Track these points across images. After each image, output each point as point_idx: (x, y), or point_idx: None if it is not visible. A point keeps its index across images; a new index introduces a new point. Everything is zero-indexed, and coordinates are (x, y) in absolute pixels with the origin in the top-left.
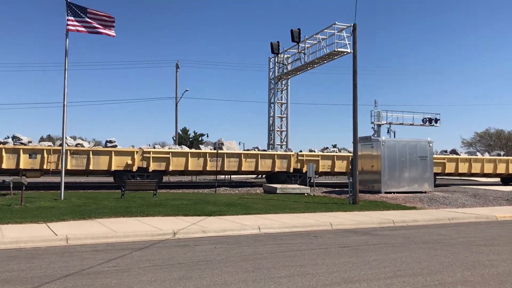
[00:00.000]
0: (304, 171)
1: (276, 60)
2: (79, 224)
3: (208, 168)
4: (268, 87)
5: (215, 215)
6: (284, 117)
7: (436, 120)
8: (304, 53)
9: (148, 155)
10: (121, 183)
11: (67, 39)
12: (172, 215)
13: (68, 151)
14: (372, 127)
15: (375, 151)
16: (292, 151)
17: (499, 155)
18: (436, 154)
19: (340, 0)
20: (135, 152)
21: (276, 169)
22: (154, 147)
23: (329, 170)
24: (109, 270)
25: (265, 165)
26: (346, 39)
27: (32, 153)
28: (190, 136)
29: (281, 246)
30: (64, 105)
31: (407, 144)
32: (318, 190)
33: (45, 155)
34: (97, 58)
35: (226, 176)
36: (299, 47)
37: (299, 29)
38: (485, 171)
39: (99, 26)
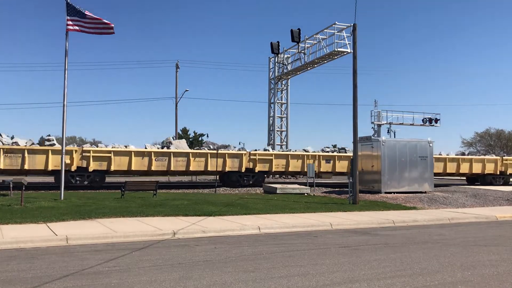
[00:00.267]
0: (256, 171)
1: (276, 60)
2: (79, 224)
3: (153, 168)
4: (268, 87)
5: (215, 215)
6: (284, 117)
7: (436, 120)
8: (304, 53)
9: (88, 154)
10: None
11: (67, 39)
12: (172, 215)
13: (1, 149)
14: (372, 127)
15: (375, 151)
16: (245, 150)
17: (463, 154)
18: None
19: (340, 0)
20: (74, 151)
21: (227, 169)
22: (105, 146)
23: (283, 169)
24: (109, 270)
25: (215, 165)
26: (346, 39)
27: None
28: (190, 136)
29: (281, 246)
30: (64, 105)
31: (407, 144)
32: (318, 190)
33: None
34: (97, 58)
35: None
36: (299, 47)
37: (299, 29)
38: (447, 171)
39: (98, 27)
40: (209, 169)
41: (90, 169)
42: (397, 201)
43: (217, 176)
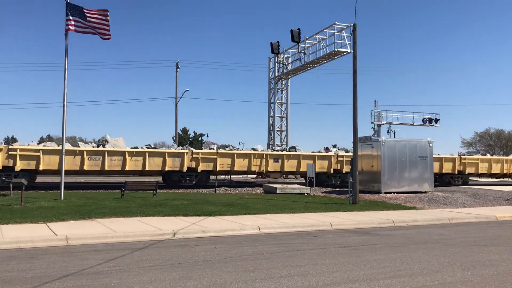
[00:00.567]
0: (199, 170)
1: (276, 60)
2: (79, 224)
3: (86, 168)
4: (268, 87)
5: (215, 215)
6: (284, 117)
7: (436, 120)
8: (304, 53)
9: (14, 152)
10: None
11: (67, 39)
12: (172, 215)
13: None
14: (372, 127)
15: (375, 151)
16: (188, 149)
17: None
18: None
19: (340, 0)
20: None
21: (167, 168)
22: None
23: (228, 169)
24: (109, 270)
25: (154, 164)
26: (346, 39)
27: None
28: (190, 136)
29: (281, 246)
30: (64, 105)
31: (407, 144)
32: (318, 190)
33: None
34: (97, 58)
35: (226, 176)
36: (299, 47)
37: (299, 29)
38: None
39: (97, 26)
40: (147, 168)
41: (17, 168)
42: (397, 201)
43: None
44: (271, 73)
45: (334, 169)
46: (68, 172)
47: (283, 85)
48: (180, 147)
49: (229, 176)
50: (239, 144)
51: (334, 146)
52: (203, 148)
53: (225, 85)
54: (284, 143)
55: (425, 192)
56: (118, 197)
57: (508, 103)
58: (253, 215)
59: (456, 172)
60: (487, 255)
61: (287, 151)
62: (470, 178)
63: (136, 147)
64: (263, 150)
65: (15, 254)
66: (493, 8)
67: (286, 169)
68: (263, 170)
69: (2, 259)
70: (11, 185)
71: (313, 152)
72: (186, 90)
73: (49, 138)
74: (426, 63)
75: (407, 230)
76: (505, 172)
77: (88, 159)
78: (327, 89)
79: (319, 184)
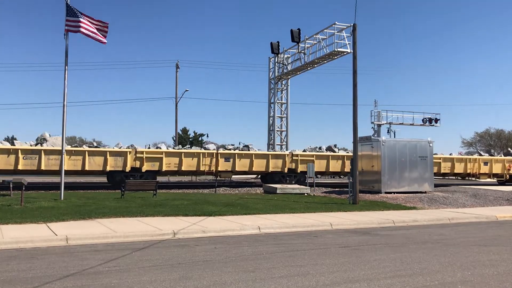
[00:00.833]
0: (144, 170)
1: (276, 60)
2: (79, 224)
3: (20, 167)
4: (268, 87)
5: (215, 215)
6: (284, 117)
7: (436, 120)
8: (304, 53)
9: None
10: None
11: (67, 40)
12: (172, 215)
13: None
14: (372, 127)
15: (375, 151)
16: (132, 148)
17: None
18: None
19: (340, 0)
20: None
21: (109, 168)
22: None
23: (176, 169)
24: (109, 270)
25: (94, 164)
26: (346, 39)
27: None
28: (190, 136)
29: (281, 246)
30: (64, 105)
31: (407, 144)
32: (318, 190)
33: None
34: (97, 58)
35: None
36: (299, 47)
37: (299, 29)
38: (346, 170)
39: (95, 31)
40: (87, 168)
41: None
42: (397, 201)
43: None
44: (271, 73)
45: (288, 169)
46: (2, 172)
47: (283, 85)
48: (124, 146)
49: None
50: (239, 144)
51: (334, 146)
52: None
53: (225, 85)
54: (284, 143)
55: (425, 192)
56: (118, 197)
57: (508, 103)
58: (253, 215)
59: (286, 171)
60: (487, 255)
61: (239, 150)
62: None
63: (76, 146)
64: (214, 149)
65: (15, 254)
66: (493, 7)
67: (237, 168)
68: (213, 170)
69: (2, 259)
70: (11, 185)
71: (267, 151)
72: (186, 90)
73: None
74: (426, 62)
75: (407, 230)
76: (468, 171)
77: (23, 158)
78: (327, 89)
79: (273, 184)
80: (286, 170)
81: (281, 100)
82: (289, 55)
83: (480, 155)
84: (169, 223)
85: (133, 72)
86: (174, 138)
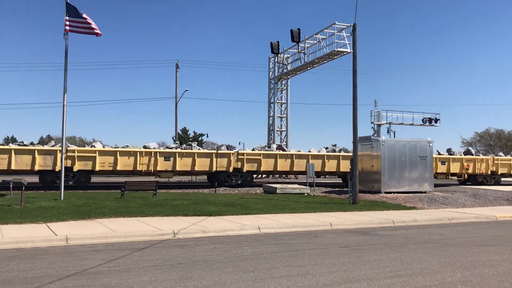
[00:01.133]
0: (75, 170)
1: (276, 60)
2: (79, 224)
3: None
4: (268, 87)
5: (215, 215)
6: (284, 117)
7: (436, 120)
8: (304, 53)
9: None
10: None
11: (67, 40)
12: (172, 215)
13: None
14: (372, 127)
15: (375, 151)
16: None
17: (334, 151)
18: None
19: (340, 0)
20: None
21: (38, 168)
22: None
23: (111, 168)
24: (109, 270)
25: (22, 163)
26: (346, 39)
27: None
28: (190, 136)
29: (281, 246)
30: (64, 105)
31: (407, 144)
32: (318, 190)
33: None
34: (97, 58)
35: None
36: (299, 47)
37: (299, 29)
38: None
39: (91, 26)
40: (13, 168)
41: None
42: (397, 201)
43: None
44: (271, 73)
45: (234, 168)
46: None
47: (283, 85)
48: (56, 145)
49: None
50: (239, 144)
51: (334, 146)
52: (203, 148)
53: (225, 85)
54: (284, 143)
55: (425, 192)
56: (118, 197)
57: (508, 103)
58: (253, 215)
59: (231, 170)
60: (487, 255)
61: (181, 149)
62: None
63: (3, 144)
64: (154, 148)
65: (15, 254)
66: (493, 7)
67: (179, 168)
68: (151, 170)
69: (2, 259)
70: (11, 185)
71: (212, 149)
72: (186, 90)
73: (49, 138)
74: (426, 62)
75: (407, 230)
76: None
77: None
78: (327, 89)
79: (219, 184)
80: (231, 170)
81: (281, 100)
82: (289, 55)
83: (439, 154)
84: (169, 223)
85: (133, 72)
86: (174, 138)
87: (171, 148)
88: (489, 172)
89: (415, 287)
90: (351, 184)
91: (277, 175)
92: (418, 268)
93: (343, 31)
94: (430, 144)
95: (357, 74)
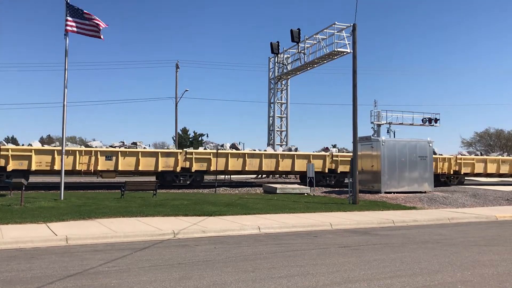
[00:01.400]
0: (9, 169)
1: (276, 60)
2: (79, 224)
3: None
4: (268, 87)
5: (215, 215)
6: (284, 117)
7: (436, 120)
8: (304, 53)
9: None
10: None
11: (67, 40)
12: (172, 215)
13: None
14: (372, 127)
15: (375, 151)
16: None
17: (290, 150)
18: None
19: (340, 0)
20: None
21: None
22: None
23: (47, 168)
24: (109, 270)
25: None
26: (346, 39)
27: None
28: (190, 136)
29: (281, 246)
30: (64, 105)
31: (407, 144)
32: (318, 190)
33: None
34: (97, 58)
35: (226, 176)
36: (299, 47)
37: (299, 29)
38: (263, 168)
39: (94, 29)
40: None
41: None
42: (397, 201)
43: None
44: (271, 73)
45: (182, 168)
46: None
47: (283, 85)
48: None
49: (229, 176)
50: (239, 144)
51: (334, 146)
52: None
53: (225, 85)
54: (284, 143)
55: (425, 192)
56: (118, 197)
57: (508, 103)
58: (253, 215)
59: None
60: (487, 255)
61: (125, 148)
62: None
63: None
64: (96, 147)
65: (15, 254)
66: (493, 7)
67: (121, 168)
68: (91, 170)
69: (2, 259)
70: (11, 185)
71: (162, 148)
72: (186, 90)
73: (49, 138)
74: (426, 62)
75: (407, 230)
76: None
77: None
78: (327, 89)
79: (166, 184)
80: (179, 170)
81: (281, 100)
82: (289, 55)
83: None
84: (169, 223)
85: (133, 72)
86: (174, 138)
87: (114, 147)
88: (452, 172)
89: (415, 287)
90: (351, 184)
91: (277, 175)
92: (418, 268)
93: (343, 31)
94: (430, 144)
95: (357, 74)
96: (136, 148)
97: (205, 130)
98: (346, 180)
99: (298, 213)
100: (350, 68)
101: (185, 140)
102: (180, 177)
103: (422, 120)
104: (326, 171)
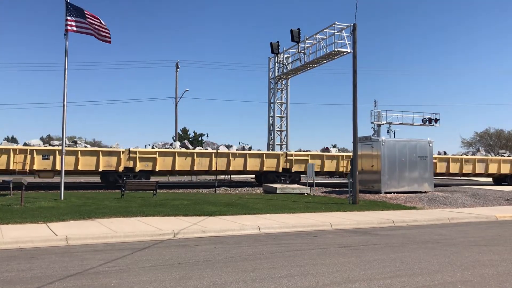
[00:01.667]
0: None
1: (276, 60)
2: (79, 224)
3: None
4: (268, 87)
5: (215, 215)
6: (284, 117)
7: (436, 120)
8: (304, 53)
9: None
10: None
11: (67, 40)
12: (172, 215)
13: None
14: (372, 127)
15: (375, 151)
16: None
17: (243, 148)
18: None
19: (340, 0)
20: None
21: None
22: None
23: (21, 168)
24: (109, 270)
25: None
26: (346, 39)
27: None
28: (190, 136)
29: (281, 246)
30: (64, 105)
31: (407, 144)
32: (318, 190)
33: None
34: (97, 58)
35: (226, 176)
36: (299, 47)
37: (299, 29)
38: (213, 168)
39: (96, 29)
40: None
41: None
42: (397, 201)
43: None
44: (271, 73)
45: (125, 167)
46: None
47: (283, 85)
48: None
49: (229, 176)
50: (239, 144)
51: (334, 146)
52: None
53: (225, 85)
54: (284, 143)
55: (425, 192)
56: (118, 197)
57: (508, 103)
58: (253, 215)
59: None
60: (487, 255)
61: (65, 146)
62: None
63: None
64: (33, 145)
65: (15, 254)
66: (493, 6)
67: (59, 167)
68: (27, 169)
69: (2, 259)
70: (11, 185)
71: (109, 147)
72: (186, 90)
73: (50, 138)
74: (426, 62)
75: (407, 230)
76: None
77: None
78: (327, 89)
79: (109, 185)
80: (121, 169)
81: (281, 100)
82: (289, 55)
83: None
84: (169, 223)
85: (133, 72)
86: (174, 138)
87: (54, 145)
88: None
89: (415, 287)
90: (351, 184)
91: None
92: (418, 268)
93: (343, 31)
94: (430, 144)
95: (357, 74)
96: (76, 146)
97: (205, 130)
98: (303, 180)
99: (298, 213)
100: (350, 68)
101: (185, 140)
102: (123, 177)
103: (422, 120)
104: (280, 170)
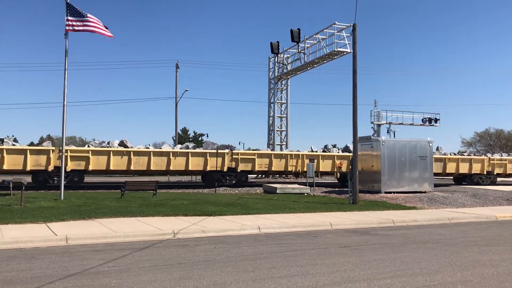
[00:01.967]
0: None
1: (276, 60)
2: (79, 224)
3: None
4: (268, 87)
5: (215, 215)
6: (284, 117)
7: (436, 120)
8: (304, 53)
9: None
10: None
11: (67, 40)
12: (172, 215)
13: None
14: (372, 127)
15: (375, 151)
16: None
17: (187, 147)
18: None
19: (340, 0)
20: None
21: None
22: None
23: None
24: (109, 270)
25: None
26: (346, 39)
27: None
28: (190, 136)
29: (281, 246)
30: (64, 105)
31: (407, 144)
32: (318, 190)
33: None
34: (97, 58)
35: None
36: (299, 47)
37: (299, 29)
38: (152, 168)
39: (98, 27)
40: None
41: None
42: (397, 201)
43: None
44: (271, 73)
45: (55, 166)
46: None
47: (283, 85)
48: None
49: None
50: (239, 144)
51: (334, 146)
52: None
53: (225, 85)
54: (284, 143)
55: (425, 192)
56: (118, 197)
57: (508, 103)
58: (253, 215)
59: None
60: (487, 255)
61: (8, 145)
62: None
63: None
64: None
65: (15, 254)
66: (493, 6)
67: (6, 167)
68: None
69: (2, 259)
70: (11, 185)
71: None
72: (186, 90)
73: (49, 138)
74: (427, 63)
75: (407, 230)
76: (289, 169)
77: None
78: (327, 89)
79: (40, 185)
80: (51, 169)
81: (281, 100)
82: (289, 55)
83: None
84: (169, 223)
85: (133, 72)
86: (174, 138)
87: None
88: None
89: (415, 287)
90: (351, 184)
91: (277, 175)
92: (418, 268)
93: (343, 31)
94: (430, 144)
95: (357, 74)
96: (2, 144)
97: (205, 130)
98: (250, 180)
99: (298, 213)
100: (350, 68)
101: (185, 140)
102: (53, 177)
103: (422, 120)
104: (225, 170)
